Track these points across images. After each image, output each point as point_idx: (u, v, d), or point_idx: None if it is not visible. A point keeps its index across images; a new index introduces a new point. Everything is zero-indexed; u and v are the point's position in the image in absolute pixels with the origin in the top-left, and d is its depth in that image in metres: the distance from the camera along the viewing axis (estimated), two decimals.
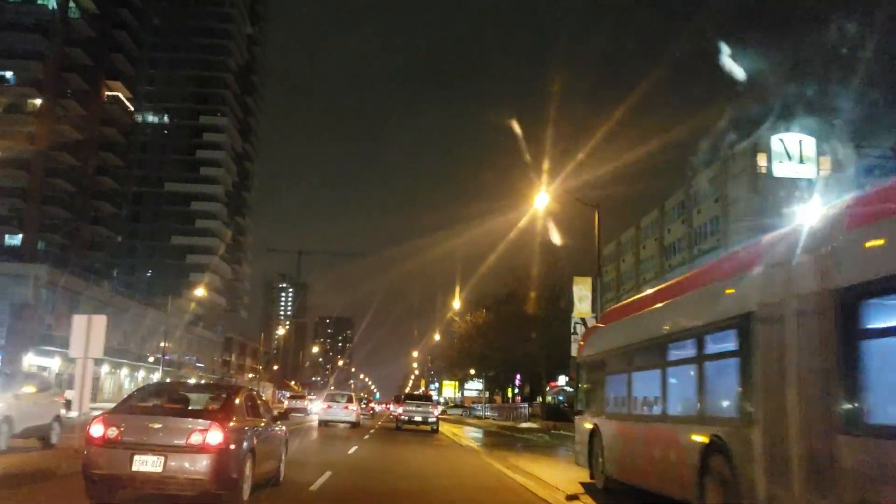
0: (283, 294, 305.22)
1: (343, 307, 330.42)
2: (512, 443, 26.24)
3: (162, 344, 74.09)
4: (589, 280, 30.59)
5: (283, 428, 10.94)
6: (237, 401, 8.69)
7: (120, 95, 68.80)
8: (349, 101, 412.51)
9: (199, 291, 63.27)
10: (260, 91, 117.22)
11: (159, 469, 7.35)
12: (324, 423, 30.45)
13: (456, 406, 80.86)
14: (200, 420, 7.75)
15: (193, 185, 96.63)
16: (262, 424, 9.28)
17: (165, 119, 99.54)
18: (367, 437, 26.70)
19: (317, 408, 46.06)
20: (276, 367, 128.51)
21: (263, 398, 10.93)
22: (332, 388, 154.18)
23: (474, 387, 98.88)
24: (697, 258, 41.82)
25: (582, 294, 29.85)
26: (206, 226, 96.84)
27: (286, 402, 53.08)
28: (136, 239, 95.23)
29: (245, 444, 8.15)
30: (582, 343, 13.41)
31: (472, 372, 58.30)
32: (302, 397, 54.73)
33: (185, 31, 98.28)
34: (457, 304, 52.44)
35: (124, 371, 64.49)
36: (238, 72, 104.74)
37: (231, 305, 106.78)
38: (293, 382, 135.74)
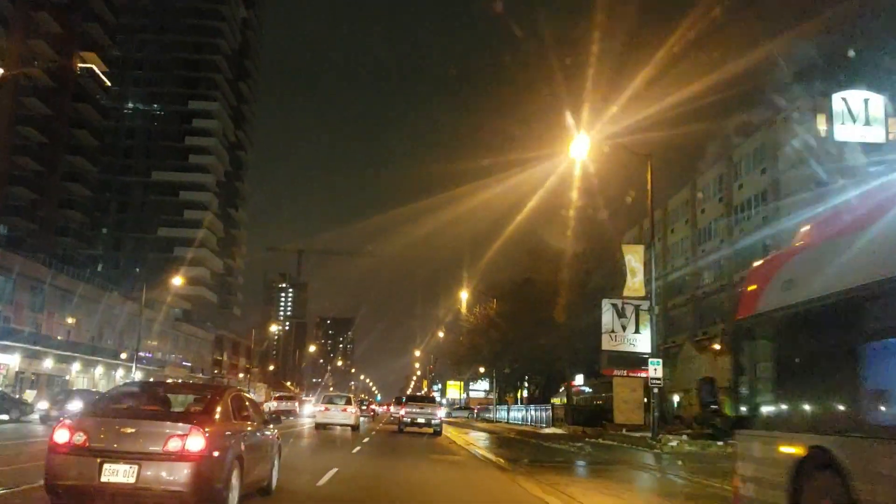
0: (283, 294, 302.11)
1: (344, 308, 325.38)
2: (546, 455, 20.43)
3: (147, 340, 68.65)
4: (640, 249, 24.89)
5: (276, 432, 9.98)
6: (222, 402, 7.93)
7: (94, 68, 63.07)
8: (350, 93, 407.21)
9: (177, 280, 56.93)
10: (254, 77, 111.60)
11: (132, 479, 6.63)
12: (321, 427, 29.12)
13: (462, 408, 75.13)
14: (180, 424, 6.98)
15: (182, 174, 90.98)
16: (252, 428, 8.49)
17: (153, 104, 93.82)
18: (366, 440, 25.02)
19: (308, 410, 41.04)
20: (270, 367, 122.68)
21: (253, 399, 9.93)
22: (332, 388, 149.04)
23: (480, 387, 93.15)
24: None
25: (633, 266, 24.22)
26: (195, 217, 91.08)
27: (273, 404, 47.24)
28: (122, 230, 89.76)
29: (231, 451, 7.42)
30: (753, 289, 6.93)
31: (482, 370, 52.40)
32: (291, 398, 48.78)
33: (175, 11, 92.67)
34: (465, 295, 46.66)
35: (99, 370, 58.66)
36: (231, 56, 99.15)
37: (223, 302, 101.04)
38: (289, 383, 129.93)
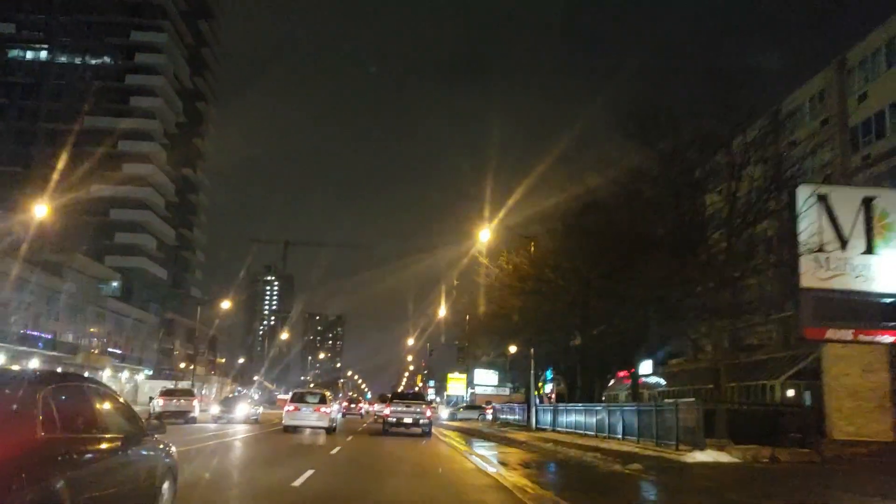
0: (269, 287, 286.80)
1: (334, 304, 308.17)
2: None
3: (53, 319, 51.68)
4: None
5: (170, 447, 6.73)
6: (25, 402, 4.59)
7: None
8: (346, 82, 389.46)
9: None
10: (217, 18, 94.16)
11: None
12: (291, 429, 25.09)
13: (470, 407, 58.24)
14: None
15: (121, 120, 73.83)
16: (103, 444, 5.27)
17: (86, 36, 76.47)
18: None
19: (215, 410, 31.06)
20: (221, 360, 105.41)
21: (117, 398, 6.03)
22: (312, 385, 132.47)
23: (487, 381, 76.32)
24: None
25: None
26: (136, 172, 73.96)
27: (159, 402, 30.73)
28: (46, 187, 72.54)
29: (40, 480, 4.27)
30: None
31: (513, 350, 35.27)
32: (188, 394, 31.96)
33: None
34: (484, 236, 29.90)
35: None
36: None
37: (176, 280, 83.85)
38: (257, 377, 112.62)
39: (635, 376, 33.50)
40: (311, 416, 25.26)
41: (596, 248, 24.89)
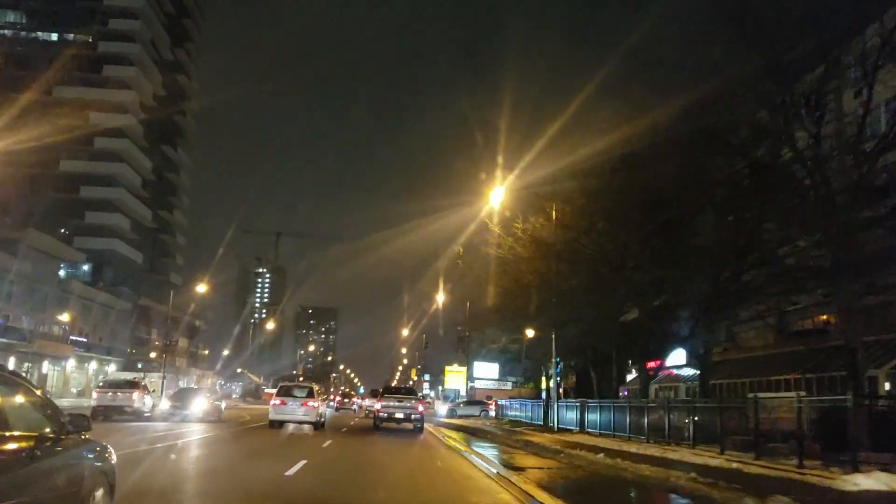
0: (260, 280, 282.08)
1: (327, 297, 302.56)
2: None
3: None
4: None
5: (107, 450, 5.88)
6: None
7: None
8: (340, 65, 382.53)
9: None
10: None
11: None
12: (277, 424, 23.86)
13: (471, 403, 52.85)
14: None
15: (93, 91, 68.11)
16: (7, 446, 4.34)
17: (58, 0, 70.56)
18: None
19: (166, 406, 26.46)
20: (204, 352, 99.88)
21: (37, 390, 5.20)
22: (301, 378, 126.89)
23: (487, 374, 70.97)
24: None
25: None
26: (110, 147, 68.29)
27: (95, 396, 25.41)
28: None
29: None
30: None
31: (530, 334, 29.47)
32: (132, 385, 26.47)
33: None
34: (497, 198, 24.54)
35: None
36: None
37: (154, 265, 78.12)
38: (240, 369, 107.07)
39: (642, 370, 28.11)
40: (298, 411, 24.09)
41: (642, 204, 19.52)
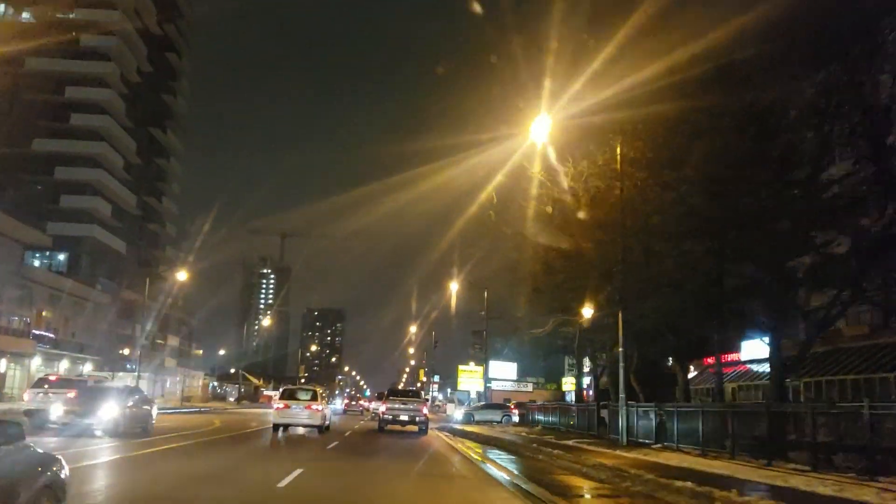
0: (265, 280, 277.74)
1: (334, 299, 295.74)
2: None
3: None
4: None
5: (56, 460, 5.22)
6: None
7: None
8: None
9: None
10: None
11: None
12: (282, 427, 23.96)
13: (490, 407, 45.78)
14: None
15: (69, 62, 61.88)
16: None
17: None
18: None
19: (110, 410, 18.31)
20: (198, 352, 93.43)
21: None
22: (303, 380, 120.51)
23: (504, 374, 64.18)
24: None
25: None
26: (88, 124, 61.97)
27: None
28: None
29: None
30: None
31: (587, 313, 21.94)
32: (71, 382, 20.43)
33: None
34: (540, 130, 17.73)
35: None
36: None
37: (140, 256, 71.65)
38: (233, 369, 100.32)
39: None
40: (302, 414, 23.96)
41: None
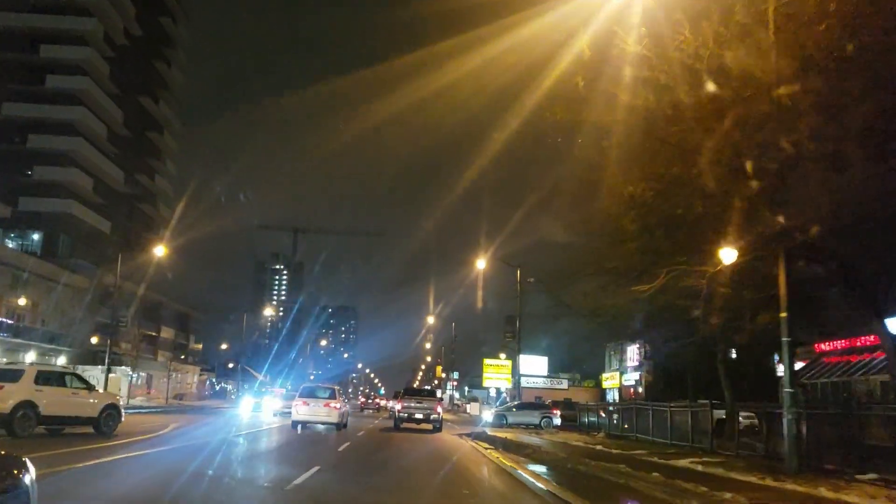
0: (277, 277, 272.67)
1: (348, 296, 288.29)
2: None
3: None
4: None
5: (22, 467, 4.36)
6: None
7: None
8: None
9: None
10: None
11: None
12: (301, 425, 24.97)
13: (527, 407, 37.66)
14: None
15: (43, 17, 54.95)
16: None
17: None
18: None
19: None
20: (197, 346, 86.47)
21: None
22: (311, 377, 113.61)
23: (534, 370, 56.50)
24: None
25: None
26: (66, 86, 55.05)
27: None
28: None
29: None
30: None
31: (728, 256, 14.19)
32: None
33: None
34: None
35: None
36: None
37: (130, 239, 64.58)
38: (231, 364, 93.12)
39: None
40: (321, 412, 25.02)
41: None
